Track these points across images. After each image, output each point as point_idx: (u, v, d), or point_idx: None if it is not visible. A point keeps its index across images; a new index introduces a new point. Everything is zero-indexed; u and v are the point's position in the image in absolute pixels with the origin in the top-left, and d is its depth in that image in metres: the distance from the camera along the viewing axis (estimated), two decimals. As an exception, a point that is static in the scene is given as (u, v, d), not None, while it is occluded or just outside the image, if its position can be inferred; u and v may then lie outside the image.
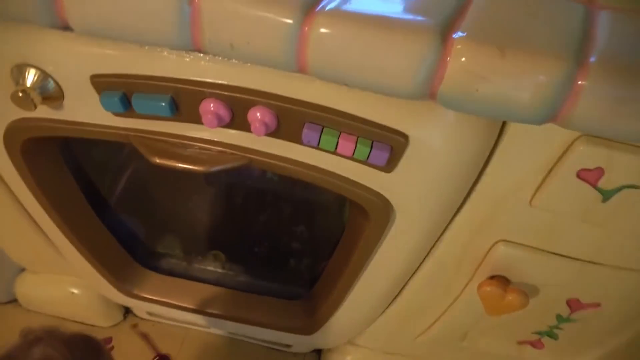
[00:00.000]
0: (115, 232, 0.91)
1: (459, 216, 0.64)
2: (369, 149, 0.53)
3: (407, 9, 0.43)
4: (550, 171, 0.54)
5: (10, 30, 0.53)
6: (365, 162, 0.55)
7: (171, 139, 0.60)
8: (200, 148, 0.60)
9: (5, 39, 0.54)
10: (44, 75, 0.56)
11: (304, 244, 0.95)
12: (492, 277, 0.69)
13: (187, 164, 0.58)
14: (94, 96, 0.56)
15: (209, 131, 0.58)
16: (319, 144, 0.54)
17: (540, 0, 0.45)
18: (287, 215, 0.98)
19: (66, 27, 0.48)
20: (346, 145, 0.53)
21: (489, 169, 0.58)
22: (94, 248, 0.87)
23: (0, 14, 0.48)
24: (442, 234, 0.67)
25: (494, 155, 0.56)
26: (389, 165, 0.55)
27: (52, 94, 0.57)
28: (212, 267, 1.00)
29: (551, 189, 0.55)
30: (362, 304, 0.83)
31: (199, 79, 0.53)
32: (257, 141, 0.58)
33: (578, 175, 0.52)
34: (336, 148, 0.54)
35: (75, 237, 0.82)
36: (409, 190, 0.60)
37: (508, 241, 0.65)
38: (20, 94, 0.55)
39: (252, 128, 0.53)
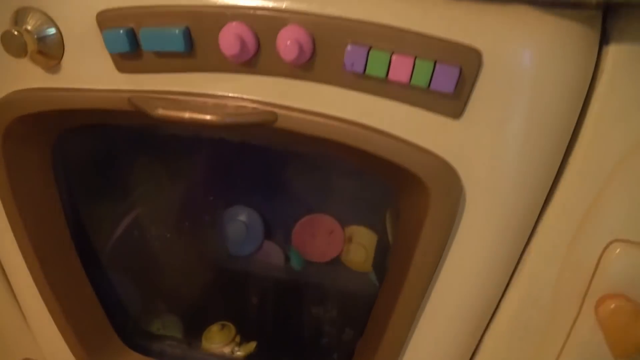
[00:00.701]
0: (97, 289, 0.73)
1: (553, 201, 0.48)
2: (431, 70, 0.41)
3: None
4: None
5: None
6: (426, 92, 0.42)
7: (180, 97, 0.49)
8: (215, 105, 0.48)
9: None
10: (45, 18, 0.48)
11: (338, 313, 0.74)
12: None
13: (196, 114, 0.46)
14: (97, 44, 0.48)
15: (226, 82, 0.47)
16: (365, 69, 0.42)
17: None
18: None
19: None
20: (401, 66, 0.41)
21: (591, 116, 0.44)
22: (67, 300, 0.68)
23: None
24: (532, 232, 0.49)
25: (596, 90, 0.43)
26: (458, 101, 0.42)
27: (51, 45, 0.49)
28: (217, 344, 0.77)
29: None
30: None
31: (218, 1, 0.44)
32: (283, 94, 0.47)
33: None
34: (388, 72, 0.42)
35: (45, 276, 0.65)
36: (483, 150, 0.45)
37: (628, 241, 0.47)
38: (16, 32, 0.47)
39: (283, 50, 0.43)
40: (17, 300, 0.74)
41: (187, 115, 0.46)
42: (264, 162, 1.03)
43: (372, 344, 0.59)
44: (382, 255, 0.91)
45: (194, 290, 0.93)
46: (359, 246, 1.09)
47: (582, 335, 0.50)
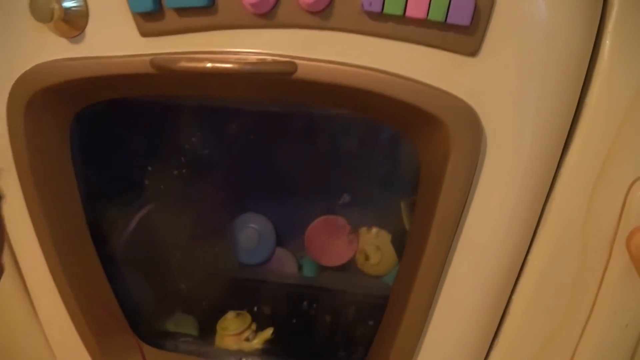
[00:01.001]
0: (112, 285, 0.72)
1: (573, 144, 0.48)
2: (447, 2, 0.42)
3: None
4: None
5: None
6: (442, 28, 0.44)
7: (202, 55, 0.50)
8: (236, 58, 0.49)
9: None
10: (71, -15, 0.51)
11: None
12: None
13: (217, 63, 0.47)
14: (121, 8, 0.50)
15: (247, 37, 0.49)
16: (383, 7, 0.44)
17: None
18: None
19: None
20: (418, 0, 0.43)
21: (604, 52, 0.45)
22: (82, 291, 0.67)
23: None
24: (554, 178, 0.49)
25: (606, 27, 0.44)
26: (474, 37, 0.44)
27: (76, 12, 0.51)
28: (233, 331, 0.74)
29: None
30: (450, 335, 0.57)
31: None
32: (303, 45, 0.48)
33: None
34: (405, 9, 0.43)
35: (61, 264, 0.64)
36: (500, 88, 0.45)
37: (652, 178, 0.47)
38: (45, -3, 0.49)
39: (300, -6, 0.44)
40: (30, 299, 0.72)
41: (208, 64, 0.47)
42: (274, 165, 1.03)
43: (396, 315, 0.58)
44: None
45: (208, 291, 0.91)
46: (374, 247, 1.08)
47: (614, 280, 0.49)
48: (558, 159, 0.48)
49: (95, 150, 0.71)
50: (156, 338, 0.77)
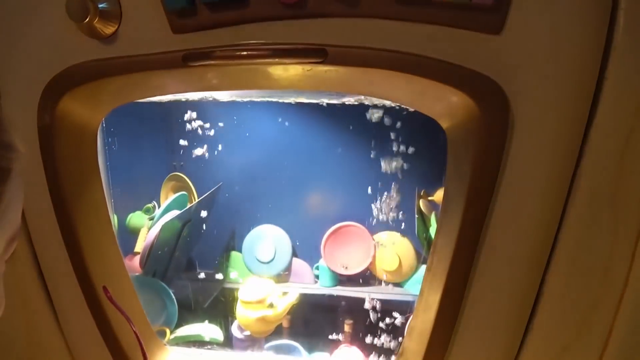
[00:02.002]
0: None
1: (598, 113, 0.49)
2: (471, -19, 0.44)
3: None
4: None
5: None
6: (467, 8, 0.46)
7: (234, 47, 0.52)
8: (269, 50, 0.51)
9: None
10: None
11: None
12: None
13: (251, 51, 0.49)
14: (154, 5, 0.52)
15: (278, 28, 0.51)
16: (410, -10, 0.46)
17: None
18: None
19: None
20: (443, -18, 0.45)
21: (620, 22, 0.47)
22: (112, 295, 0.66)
23: None
24: (582, 148, 0.50)
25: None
26: (498, 15, 0.46)
27: (110, 10, 0.53)
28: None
29: None
30: (486, 312, 0.57)
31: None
32: (333, 33, 0.50)
33: None
34: (432, -11, 0.45)
35: (91, 276, 0.64)
36: (525, 63, 0.47)
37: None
38: (81, -3, 0.51)
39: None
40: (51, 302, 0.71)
41: (243, 52, 0.49)
42: (288, 175, 1.05)
43: (432, 295, 0.58)
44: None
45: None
46: (391, 253, 1.08)
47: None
48: (583, 131, 0.50)
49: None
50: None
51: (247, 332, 0.93)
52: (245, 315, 0.90)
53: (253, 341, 0.94)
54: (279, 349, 1.01)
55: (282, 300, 0.89)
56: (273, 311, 0.89)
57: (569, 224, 0.52)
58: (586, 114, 0.49)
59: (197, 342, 0.88)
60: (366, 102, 0.87)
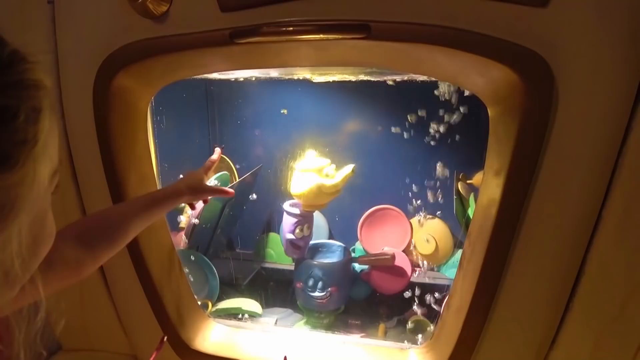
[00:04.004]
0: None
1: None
2: (518, -46, 0.44)
3: None
4: None
5: None
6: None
7: (281, 23, 0.53)
8: (314, 26, 0.52)
9: None
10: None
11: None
12: None
13: (297, 27, 0.50)
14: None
15: (322, 5, 0.52)
16: (455, -36, 0.46)
17: None
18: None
19: None
20: (489, -44, 0.45)
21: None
22: (161, 268, 0.70)
23: None
24: (628, 125, 0.49)
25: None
26: (545, -13, 0.45)
27: (161, -9, 0.55)
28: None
29: None
30: (524, 303, 0.57)
31: None
32: (376, 9, 0.51)
33: None
34: (477, -36, 0.45)
35: (144, 253, 0.67)
36: (572, 36, 0.47)
37: None
38: (133, -22, 0.53)
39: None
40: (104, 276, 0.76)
41: (290, 28, 0.50)
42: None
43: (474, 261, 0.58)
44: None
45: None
46: (428, 237, 1.08)
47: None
48: (631, 106, 0.48)
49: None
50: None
51: (298, 209, 0.93)
52: (301, 185, 0.88)
53: (304, 218, 0.94)
54: (321, 245, 1.05)
55: (339, 172, 0.90)
56: (329, 180, 0.88)
57: (613, 202, 0.51)
58: (634, 88, 0.48)
59: (237, 315, 0.92)
60: (405, 80, 0.87)
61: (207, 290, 0.96)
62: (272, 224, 1.23)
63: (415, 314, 0.93)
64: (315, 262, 0.97)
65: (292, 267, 1.12)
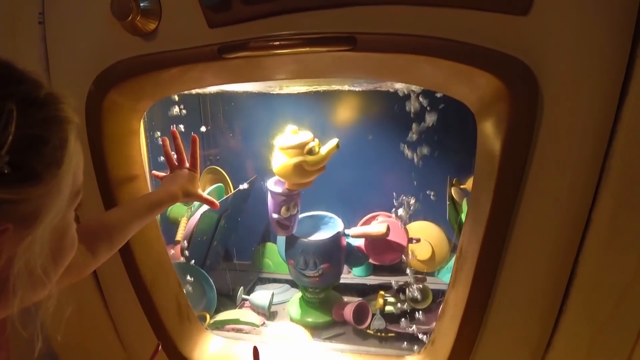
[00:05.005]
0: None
1: (631, 92, 0.49)
2: (497, -35, 0.45)
3: None
4: None
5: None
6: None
7: (267, 38, 0.54)
8: (301, 38, 0.53)
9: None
10: (146, -11, 0.56)
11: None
12: None
13: (284, 41, 0.51)
14: (191, 2, 0.55)
15: (309, 19, 0.53)
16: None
17: None
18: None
19: None
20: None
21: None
22: (158, 282, 0.70)
23: None
24: (613, 129, 0.50)
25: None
26: (525, -5, 0.46)
27: (150, 9, 0.56)
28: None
29: None
30: (517, 307, 0.57)
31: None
32: (362, 21, 0.51)
33: None
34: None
35: (133, 262, 0.68)
36: (554, 43, 0.47)
37: None
38: (124, -4, 0.54)
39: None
40: (102, 293, 0.76)
41: (277, 42, 0.51)
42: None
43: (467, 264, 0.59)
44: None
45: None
46: (424, 242, 1.08)
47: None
48: (615, 110, 0.49)
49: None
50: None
51: (281, 189, 0.89)
52: (283, 163, 0.84)
53: (289, 197, 0.90)
54: (312, 218, 1.02)
55: (322, 147, 0.86)
56: (311, 157, 0.83)
57: (602, 204, 0.52)
58: (618, 91, 0.49)
59: (235, 327, 0.92)
60: (396, 89, 0.88)
61: (205, 303, 0.96)
62: (268, 235, 1.24)
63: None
64: (305, 240, 0.95)
65: (290, 278, 1.12)
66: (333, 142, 0.86)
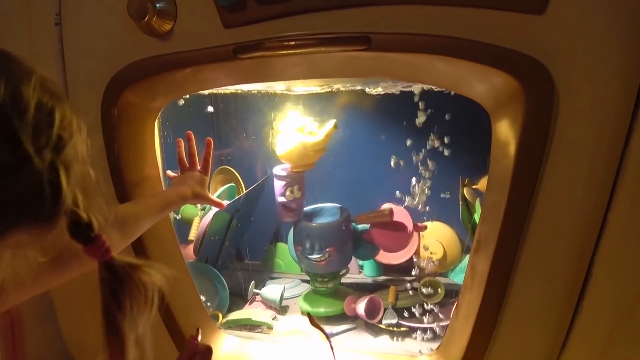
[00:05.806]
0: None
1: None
2: (513, -37, 0.45)
3: None
4: None
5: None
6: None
7: (282, 38, 0.54)
8: (316, 39, 0.53)
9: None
10: (163, -11, 0.57)
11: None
12: None
13: (299, 41, 0.51)
14: (207, 4, 0.55)
15: (323, 19, 0.53)
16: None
17: None
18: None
19: None
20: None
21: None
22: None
23: None
24: (630, 129, 0.49)
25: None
26: (541, -6, 0.46)
27: (166, 10, 0.57)
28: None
29: None
30: (533, 307, 0.57)
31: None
32: (376, 22, 0.52)
33: None
34: (473, -26, 0.46)
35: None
36: (570, 42, 0.47)
37: None
38: (140, -3, 0.55)
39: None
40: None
41: (292, 42, 0.51)
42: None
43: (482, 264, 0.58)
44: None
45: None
46: (436, 243, 1.08)
47: None
48: (632, 109, 0.49)
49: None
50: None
51: (285, 172, 0.94)
52: (285, 146, 0.90)
53: (293, 179, 0.95)
54: (321, 209, 1.03)
55: (321, 129, 0.91)
56: (312, 137, 0.89)
57: (618, 204, 0.52)
58: (634, 90, 0.49)
59: (248, 325, 0.92)
60: (411, 89, 0.88)
61: (217, 302, 0.97)
62: (280, 235, 1.24)
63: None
64: (311, 224, 0.98)
65: (301, 276, 1.13)
66: (331, 124, 0.91)
